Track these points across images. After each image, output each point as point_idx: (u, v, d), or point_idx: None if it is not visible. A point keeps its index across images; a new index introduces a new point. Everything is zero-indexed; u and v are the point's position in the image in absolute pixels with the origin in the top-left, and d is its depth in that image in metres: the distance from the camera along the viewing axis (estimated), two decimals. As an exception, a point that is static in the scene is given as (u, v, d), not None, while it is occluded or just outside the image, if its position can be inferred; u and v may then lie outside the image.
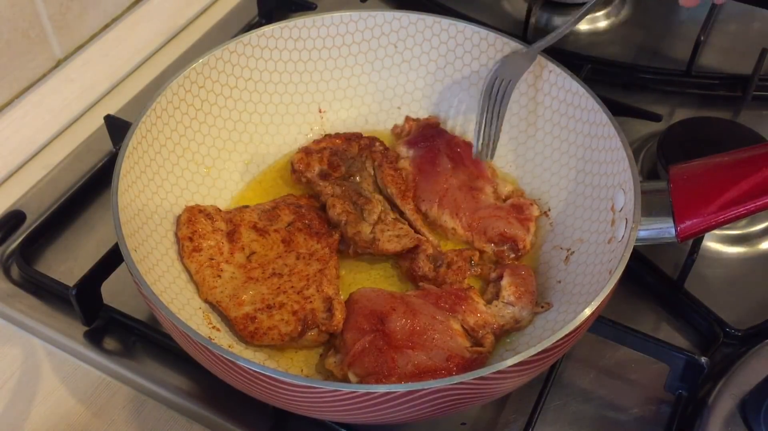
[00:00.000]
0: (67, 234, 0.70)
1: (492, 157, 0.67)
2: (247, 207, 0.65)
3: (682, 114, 0.80)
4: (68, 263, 0.67)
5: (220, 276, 0.60)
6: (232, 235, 0.62)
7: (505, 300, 0.59)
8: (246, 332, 0.57)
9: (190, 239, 0.61)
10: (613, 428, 0.58)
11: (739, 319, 0.63)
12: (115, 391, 0.60)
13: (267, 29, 0.69)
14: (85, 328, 0.63)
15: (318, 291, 0.59)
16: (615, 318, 0.58)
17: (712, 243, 0.68)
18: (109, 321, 0.63)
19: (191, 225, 0.61)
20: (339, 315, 0.57)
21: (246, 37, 0.68)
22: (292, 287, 0.59)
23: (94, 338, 0.62)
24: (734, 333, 0.62)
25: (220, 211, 0.64)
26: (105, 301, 0.63)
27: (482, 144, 0.66)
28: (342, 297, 0.59)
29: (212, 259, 0.60)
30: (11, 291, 0.65)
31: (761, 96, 0.81)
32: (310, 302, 0.58)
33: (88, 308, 0.62)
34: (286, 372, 0.47)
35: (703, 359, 0.56)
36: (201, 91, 0.66)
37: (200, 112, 0.67)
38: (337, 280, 0.61)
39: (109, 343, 0.62)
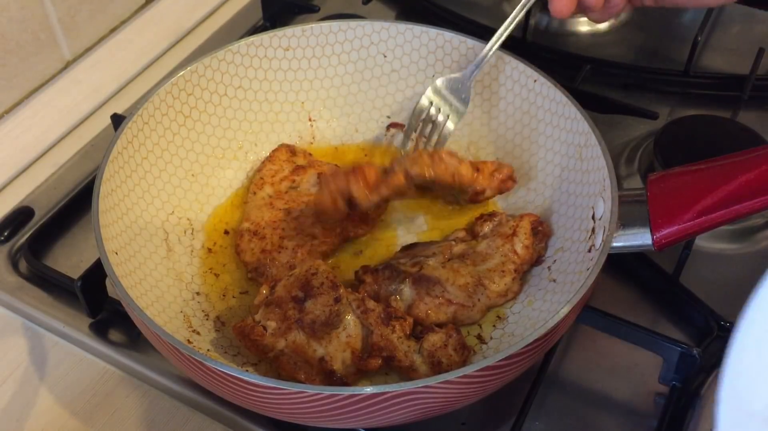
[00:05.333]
0: (74, 229, 0.71)
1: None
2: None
3: (680, 114, 0.81)
4: (75, 258, 0.69)
5: (255, 193, 0.67)
6: (297, 170, 0.69)
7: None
8: (236, 246, 0.65)
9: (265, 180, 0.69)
10: (607, 419, 0.59)
11: (733, 313, 0.62)
12: (119, 381, 0.62)
13: (256, 38, 0.70)
14: (90, 320, 0.64)
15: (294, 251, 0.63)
16: (610, 312, 0.59)
17: (706, 238, 0.69)
18: (113, 313, 0.64)
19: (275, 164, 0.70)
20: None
21: (234, 46, 0.69)
22: (283, 230, 0.65)
23: (98, 330, 0.64)
24: (728, 327, 0.63)
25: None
26: (110, 294, 0.64)
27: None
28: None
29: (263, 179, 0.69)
30: (19, 284, 0.67)
31: (759, 96, 0.82)
32: (281, 251, 0.63)
33: (93, 300, 0.63)
34: (251, 374, 0.48)
35: (695, 351, 0.57)
36: (189, 99, 0.68)
37: (189, 119, 0.68)
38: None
39: (114, 335, 0.64)
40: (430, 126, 0.70)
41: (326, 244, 0.64)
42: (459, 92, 0.68)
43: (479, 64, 0.67)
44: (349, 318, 0.55)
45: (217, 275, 0.64)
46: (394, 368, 0.57)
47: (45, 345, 0.64)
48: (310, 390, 0.46)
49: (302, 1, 0.93)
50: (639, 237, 0.55)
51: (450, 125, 0.69)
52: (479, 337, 0.60)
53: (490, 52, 0.67)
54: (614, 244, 0.55)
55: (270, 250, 0.63)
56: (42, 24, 0.78)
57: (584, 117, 0.63)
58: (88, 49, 0.85)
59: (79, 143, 0.80)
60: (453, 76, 0.69)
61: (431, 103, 0.69)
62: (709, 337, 0.62)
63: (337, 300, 0.56)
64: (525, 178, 0.69)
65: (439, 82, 0.69)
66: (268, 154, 0.71)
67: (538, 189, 0.67)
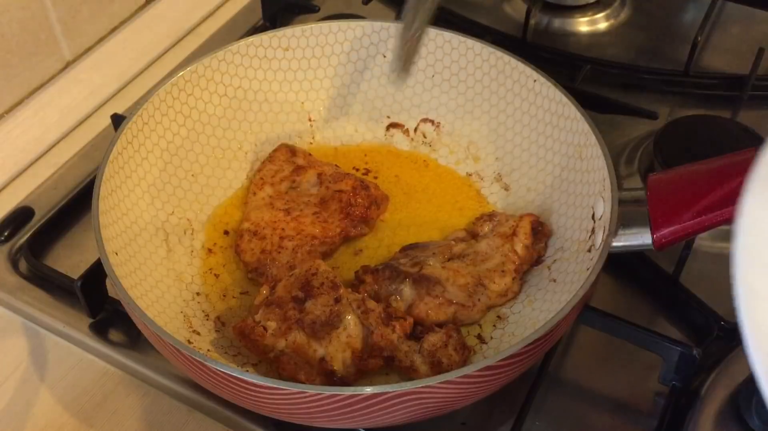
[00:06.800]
0: (74, 229, 0.71)
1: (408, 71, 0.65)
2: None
3: (680, 114, 0.81)
4: (75, 258, 0.69)
5: (255, 193, 0.67)
6: (297, 170, 0.68)
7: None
8: (236, 246, 0.64)
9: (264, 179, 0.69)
10: (607, 419, 0.59)
11: (733, 313, 0.63)
12: (119, 381, 0.62)
13: (255, 38, 0.70)
14: (90, 320, 0.64)
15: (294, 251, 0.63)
16: (610, 312, 0.59)
17: (706, 238, 0.69)
18: (113, 313, 0.64)
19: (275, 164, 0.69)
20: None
21: (234, 46, 0.69)
22: (283, 230, 0.64)
23: (98, 330, 0.64)
24: (728, 327, 0.63)
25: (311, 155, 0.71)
26: (110, 294, 0.64)
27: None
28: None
29: (263, 179, 0.69)
30: (19, 284, 0.67)
31: (759, 95, 0.82)
32: (281, 251, 0.63)
33: (93, 300, 0.63)
34: (251, 374, 0.48)
35: (695, 351, 0.57)
36: (189, 99, 0.68)
37: (189, 119, 0.68)
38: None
39: (114, 335, 0.64)
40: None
41: (326, 244, 0.64)
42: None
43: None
44: (350, 318, 0.55)
45: (217, 275, 0.64)
46: (394, 368, 0.57)
47: (45, 345, 0.64)
48: (311, 390, 0.46)
49: (302, 1, 0.93)
50: (639, 237, 0.55)
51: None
52: (479, 337, 0.60)
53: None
54: (614, 244, 0.55)
55: (270, 250, 0.63)
56: (42, 24, 0.78)
57: (584, 117, 0.63)
58: (88, 49, 0.85)
59: (79, 143, 0.80)
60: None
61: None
62: (709, 337, 0.62)
63: (338, 300, 0.56)
64: (525, 177, 0.69)
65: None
66: (268, 154, 0.71)
67: (538, 189, 0.67)
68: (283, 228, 0.65)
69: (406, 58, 0.63)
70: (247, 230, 0.65)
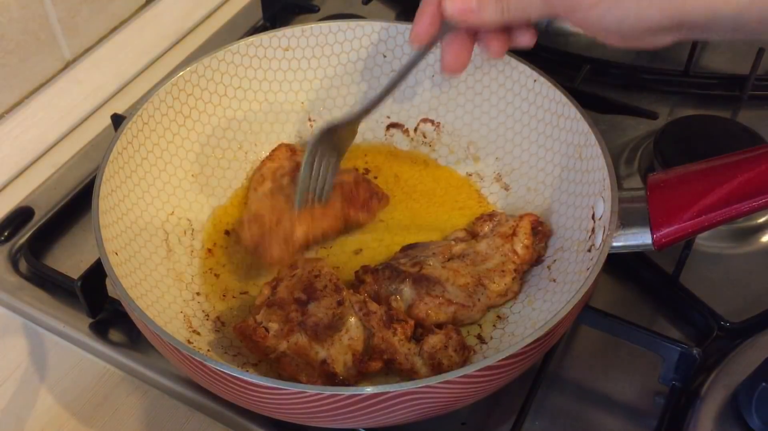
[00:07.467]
0: (74, 229, 0.71)
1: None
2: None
3: (680, 114, 0.81)
4: (75, 258, 0.69)
5: (256, 189, 0.66)
6: (298, 167, 0.66)
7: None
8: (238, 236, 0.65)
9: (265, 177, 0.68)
10: (607, 419, 0.59)
11: (733, 312, 0.63)
12: (119, 381, 0.62)
13: (255, 38, 0.70)
14: (90, 320, 0.64)
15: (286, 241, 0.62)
16: (610, 312, 0.59)
17: (706, 238, 0.69)
18: (113, 313, 0.64)
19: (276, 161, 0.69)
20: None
21: (234, 46, 0.69)
22: (281, 211, 0.63)
23: (99, 329, 0.64)
24: (728, 327, 0.63)
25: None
26: (110, 294, 0.64)
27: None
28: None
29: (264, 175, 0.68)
30: (19, 284, 0.67)
31: (759, 96, 0.82)
32: (278, 226, 0.62)
33: (93, 300, 0.63)
34: (251, 374, 0.48)
35: (695, 350, 0.57)
36: (189, 99, 0.68)
37: (189, 119, 0.68)
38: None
39: (114, 335, 0.64)
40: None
41: (326, 222, 0.64)
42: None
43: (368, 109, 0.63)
44: (352, 320, 0.55)
45: (217, 275, 0.64)
46: (394, 370, 0.57)
47: (45, 345, 0.64)
48: (311, 390, 0.46)
49: (302, 1, 0.93)
50: (639, 237, 0.55)
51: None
52: (479, 337, 0.60)
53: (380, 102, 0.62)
54: (614, 244, 0.55)
55: (269, 228, 0.62)
56: (42, 24, 0.78)
57: (584, 117, 0.63)
58: (88, 49, 0.85)
59: (79, 143, 0.80)
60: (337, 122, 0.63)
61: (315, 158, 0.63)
62: (709, 337, 0.62)
63: (340, 302, 0.56)
64: (525, 177, 0.69)
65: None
66: (268, 153, 0.71)
67: (538, 189, 0.67)
68: (281, 210, 0.63)
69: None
70: (247, 218, 0.64)
